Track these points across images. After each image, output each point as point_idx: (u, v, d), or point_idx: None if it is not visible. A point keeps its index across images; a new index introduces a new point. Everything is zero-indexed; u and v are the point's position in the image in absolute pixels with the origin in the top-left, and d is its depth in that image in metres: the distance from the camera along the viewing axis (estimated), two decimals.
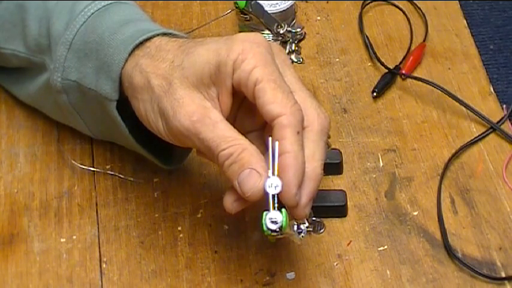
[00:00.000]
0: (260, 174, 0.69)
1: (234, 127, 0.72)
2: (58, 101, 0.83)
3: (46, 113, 0.88)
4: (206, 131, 0.71)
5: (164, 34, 0.77)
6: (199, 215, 0.84)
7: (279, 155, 0.70)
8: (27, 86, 0.87)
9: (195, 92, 0.72)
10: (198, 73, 0.72)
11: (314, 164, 0.71)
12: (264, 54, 0.72)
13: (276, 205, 0.69)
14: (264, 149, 0.73)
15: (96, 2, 0.80)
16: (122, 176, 0.86)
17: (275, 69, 0.72)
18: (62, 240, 0.83)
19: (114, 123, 0.79)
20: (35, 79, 0.85)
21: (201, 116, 0.71)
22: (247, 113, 0.75)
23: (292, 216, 0.71)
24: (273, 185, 0.69)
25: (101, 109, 0.80)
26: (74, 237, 0.83)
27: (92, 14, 0.80)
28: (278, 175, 0.69)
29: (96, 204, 0.85)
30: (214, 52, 0.72)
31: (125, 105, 0.78)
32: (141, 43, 0.76)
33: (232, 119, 0.75)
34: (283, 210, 0.69)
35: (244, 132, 0.73)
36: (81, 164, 0.87)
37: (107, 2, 0.81)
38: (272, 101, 0.70)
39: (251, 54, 0.71)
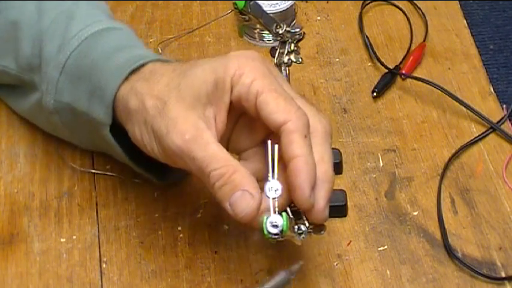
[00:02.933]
0: (253, 196, 0.69)
1: (229, 146, 0.73)
2: (50, 121, 0.84)
3: (40, 127, 0.88)
4: (197, 149, 0.70)
5: (157, 60, 0.78)
6: (199, 215, 0.84)
7: (289, 160, 0.70)
8: (21, 102, 0.87)
9: (190, 112, 0.72)
10: (195, 93, 0.72)
11: (325, 167, 0.72)
12: (260, 67, 0.72)
13: (277, 209, 0.69)
14: (261, 165, 0.73)
15: (90, 26, 0.80)
16: (121, 176, 0.86)
17: (273, 80, 0.72)
18: (62, 240, 0.83)
19: (108, 144, 0.80)
20: (28, 97, 0.85)
21: (193, 135, 0.71)
22: (242, 131, 0.76)
23: (312, 220, 0.72)
24: (273, 189, 0.69)
25: (94, 131, 0.80)
26: (74, 237, 0.83)
27: (86, 37, 0.80)
28: (283, 180, 0.69)
29: (96, 204, 0.85)
30: (210, 71, 0.72)
31: (118, 124, 0.78)
32: (136, 69, 0.77)
33: (226, 138, 0.75)
34: (284, 213, 0.69)
35: (239, 151, 0.74)
36: (82, 165, 0.87)
37: (100, 27, 0.81)
38: (276, 110, 0.70)
39: (248, 68, 0.72)
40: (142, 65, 0.77)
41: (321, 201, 0.71)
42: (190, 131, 0.71)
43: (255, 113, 0.72)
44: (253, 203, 0.69)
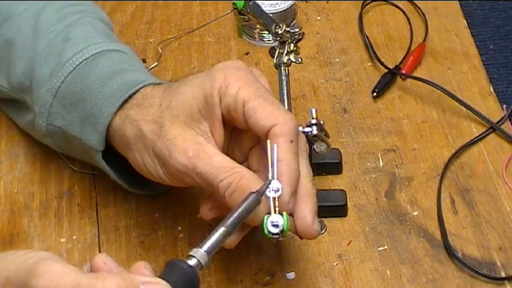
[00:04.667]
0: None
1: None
2: (44, 142, 0.84)
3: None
4: (202, 164, 0.71)
5: (149, 84, 0.78)
6: (199, 215, 0.84)
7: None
8: (18, 117, 0.87)
9: (187, 129, 0.73)
10: (187, 110, 0.73)
11: (303, 182, 0.72)
12: (246, 75, 0.73)
13: (277, 208, 0.69)
14: None
15: (84, 50, 0.80)
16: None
17: (259, 86, 0.73)
18: (62, 240, 0.83)
19: (100, 166, 0.81)
20: (23, 115, 0.85)
21: (195, 151, 0.72)
22: (236, 145, 0.76)
23: (304, 237, 0.72)
24: (273, 189, 0.69)
25: (86, 154, 0.81)
26: (74, 237, 0.83)
27: (80, 63, 0.80)
28: (278, 179, 0.70)
29: (96, 204, 0.85)
30: (198, 86, 0.73)
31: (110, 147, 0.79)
32: (129, 96, 0.77)
33: (226, 151, 0.75)
34: (284, 213, 0.69)
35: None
36: (82, 166, 0.87)
37: (95, 51, 0.81)
38: (263, 115, 0.71)
39: (234, 79, 0.72)
40: (135, 92, 0.77)
41: (309, 216, 0.71)
42: (192, 148, 0.72)
43: (244, 122, 0.72)
44: (263, 206, 0.69)
